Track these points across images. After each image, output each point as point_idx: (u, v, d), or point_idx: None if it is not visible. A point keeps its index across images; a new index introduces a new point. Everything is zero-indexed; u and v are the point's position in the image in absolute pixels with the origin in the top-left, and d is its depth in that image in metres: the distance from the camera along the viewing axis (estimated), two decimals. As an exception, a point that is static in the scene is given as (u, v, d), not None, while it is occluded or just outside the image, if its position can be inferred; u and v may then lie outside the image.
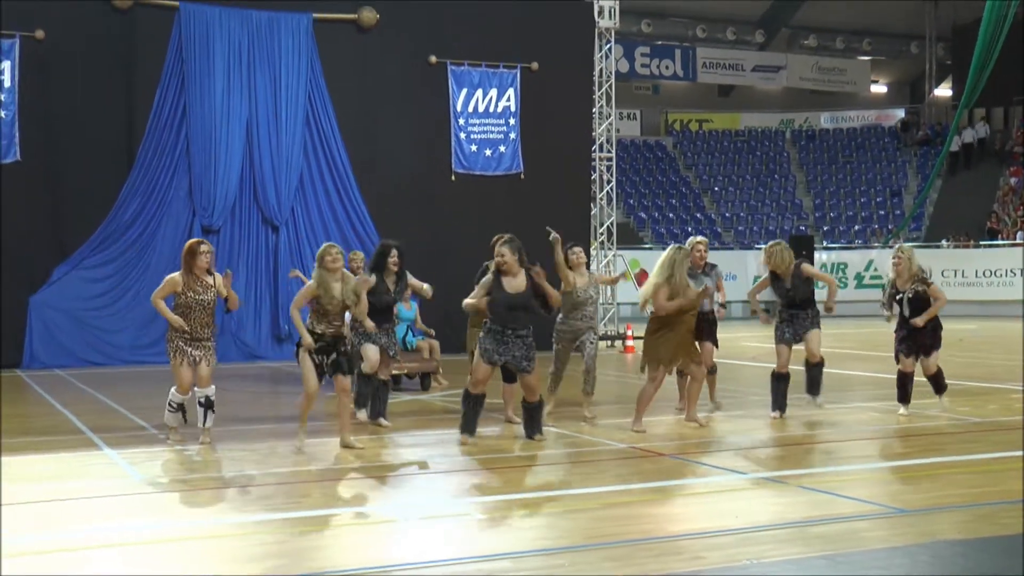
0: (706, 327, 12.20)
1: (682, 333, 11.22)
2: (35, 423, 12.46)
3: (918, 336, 11.99)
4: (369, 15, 21.06)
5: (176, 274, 10.61)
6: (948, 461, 9.38)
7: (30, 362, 18.88)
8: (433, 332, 15.58)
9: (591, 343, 12.08)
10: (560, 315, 12.03)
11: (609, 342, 23.33)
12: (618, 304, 24.95)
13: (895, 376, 12.28)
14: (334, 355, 10.17)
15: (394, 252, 11.83)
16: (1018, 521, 6.97)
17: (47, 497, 8.22)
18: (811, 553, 6.31)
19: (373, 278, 11.64)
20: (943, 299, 12.00)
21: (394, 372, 13.17)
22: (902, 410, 12.11)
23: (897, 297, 12.01)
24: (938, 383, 12.36)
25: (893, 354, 12.23)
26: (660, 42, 45.32)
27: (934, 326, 12.03)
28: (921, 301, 11.88)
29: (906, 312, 11.92)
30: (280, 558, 6.42)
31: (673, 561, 6.20)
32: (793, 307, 12.25)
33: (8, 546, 6.54)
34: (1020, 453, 9.47)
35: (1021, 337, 22.36)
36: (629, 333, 22.63)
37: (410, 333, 15.33)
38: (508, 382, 11.69)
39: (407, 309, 14.99)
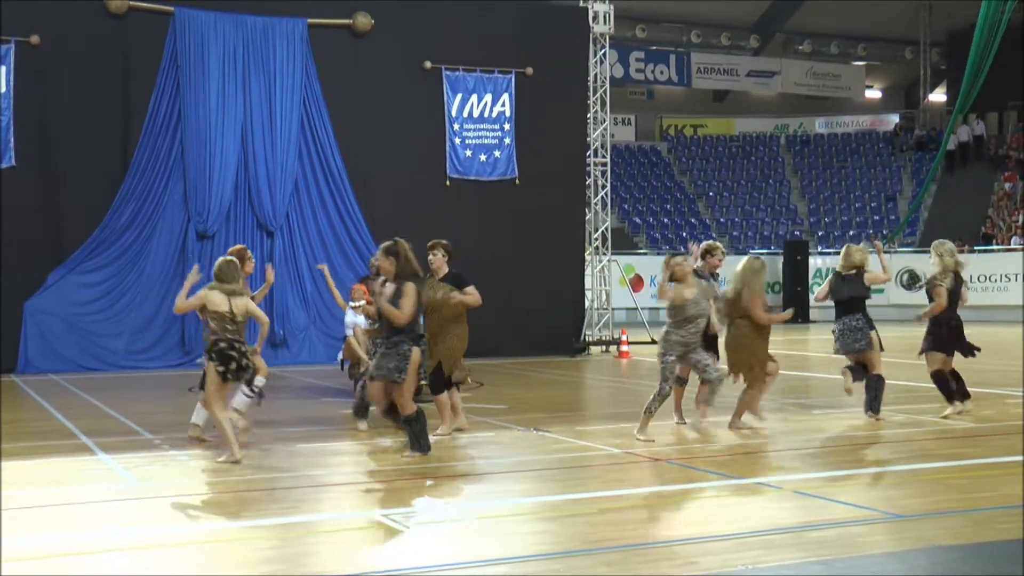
0: (709, 338, 11.72)
1: (764, 339, 11.55)
2: (30, 428, 12.43)
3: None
4: (364, 20, 21.07)
5: None
6: (945, 466, 9.40)
7: (25, 367, 18.88)
8: None
9: (707, 363, 11.01)
10: (668, 326, 11.00)
11: (604, 347, 23.33)
12: (613, 309, 24.96)
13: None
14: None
15: None
16: (1016, 526, 6.97)
17: (43, 502, 8.22)
18: (807, 558, 6.31)
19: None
20: (937, 303, 12.16)
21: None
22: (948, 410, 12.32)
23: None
24: (949, 386, 12.46)
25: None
26: (655, 47, 45.35)
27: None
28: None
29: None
30: (277, 563, 6.42)
31: (668, 566, 6.20)
32: None
33: (6, 550, 6.53)
34: (1017, 458, 9.48)
35: (1020, 342, 22.39)
36: (624, 339, 22.64)
37: None
38: (435, 393, 11.31)
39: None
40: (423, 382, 10.40)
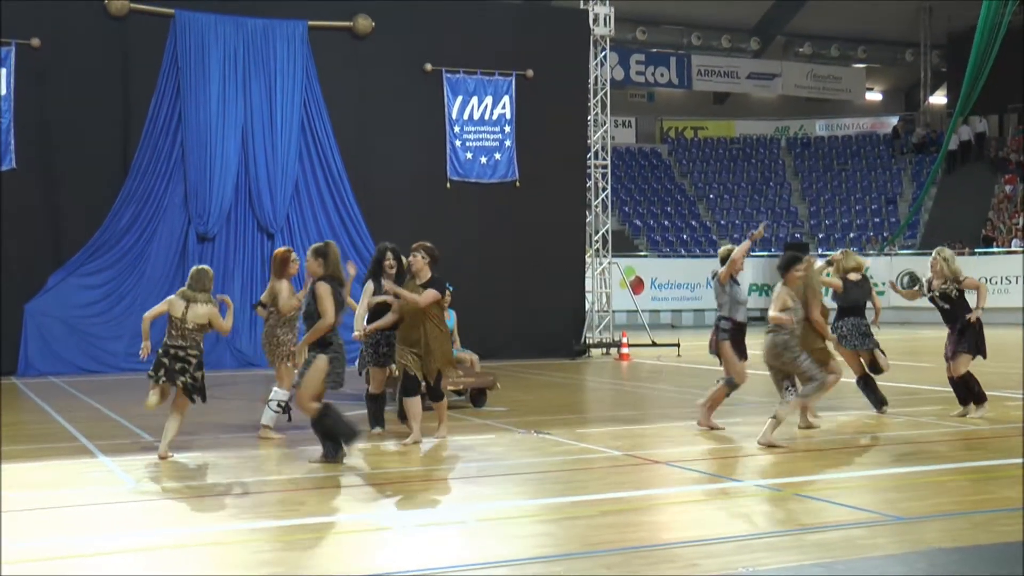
0: (742, 339, 11.87)
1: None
2: (31, 430, 12.44)
3: (953, 338, 12.50)
4: (364, 23, 21.08)
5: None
6: (944, 468, 9.40)
7: (25, 369, 18.88)
8: (468, 351, 14.86)
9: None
10: (782, 332, 10.82)
11: (604, 350, 23.34)
12: (613, 312, 24.97)
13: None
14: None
15: (389, 255, 11.75)
16: (1015, 529, 6.98)
17: (43, 505, 8.22)
18: (807, 561, 6.31)
19: (371, 284, 11.63)
20: (981, 287, 12.50)
21: (448, 387, 12.67)
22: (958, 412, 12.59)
23: (927, 296, 12.67)
24: (966, 390, 12.57)
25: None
26: (655, 50, 45.35)
27: (961, 328, 12.38)
28: (947, 299, 12.40)
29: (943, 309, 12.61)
30: (276, 566, 6.42)
31: (668, 569, 6.21)
32: None
33: (6, 552, 6.54)
34: (1017, 460, 9.49)
35: (1020, 345, 22.37)
36: (624, 341, 22.65)
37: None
38: (435, 400, 11.30)
39: (446, 318, 14.39)
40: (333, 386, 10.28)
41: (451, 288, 13.32)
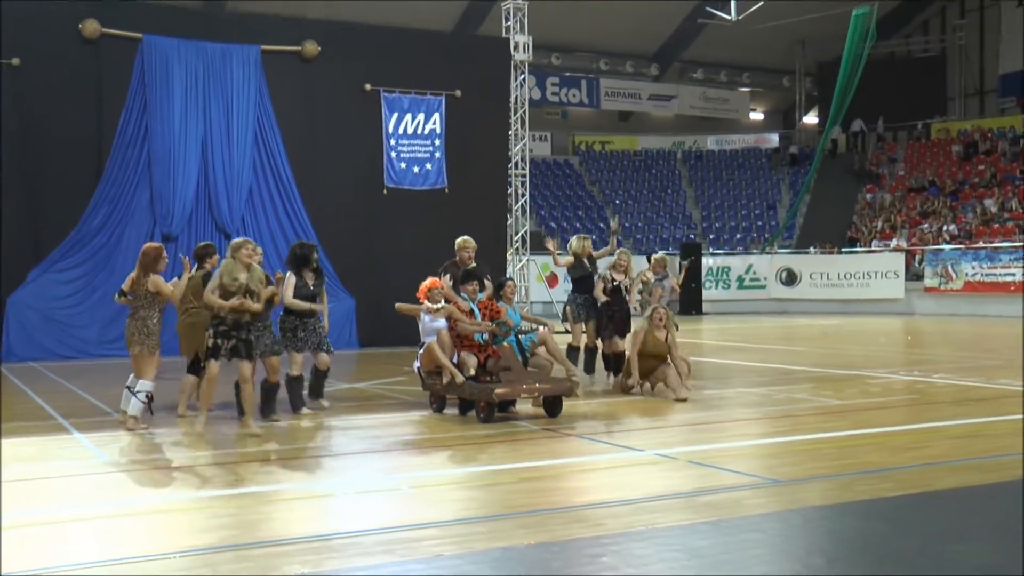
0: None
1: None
2: (12, 410, 12.17)
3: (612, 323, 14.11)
4: (311, 47, 20.88)
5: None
6: (814, 438, 9.53)
7: (7, 355, 18.46)
8: (545, 322, 12.89)
9: None
10: None
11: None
12: (531, 303, 25.00)
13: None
14: (233, 340, 10.03)
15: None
16: (874, 488, 7.09)
17: (22, 477, 8.04)
18: (698, 519, 6.36)
19: (291, 276, 11.45)
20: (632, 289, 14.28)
21: (523, 397, 10.82)
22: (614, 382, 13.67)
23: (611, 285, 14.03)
24: (617, 362, 13.82)
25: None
26: (568, 73, 45.47)
27: (623, 316, 13.98)
28: (619, 291, 13.98)
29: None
30: (231, 529, 6.34)
31: (578, 528, 6.22)
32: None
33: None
34: (874, 430, 9.66)
35: (878, 331, 22.68)
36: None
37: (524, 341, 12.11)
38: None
39: (512, 311, 12.06)
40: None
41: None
